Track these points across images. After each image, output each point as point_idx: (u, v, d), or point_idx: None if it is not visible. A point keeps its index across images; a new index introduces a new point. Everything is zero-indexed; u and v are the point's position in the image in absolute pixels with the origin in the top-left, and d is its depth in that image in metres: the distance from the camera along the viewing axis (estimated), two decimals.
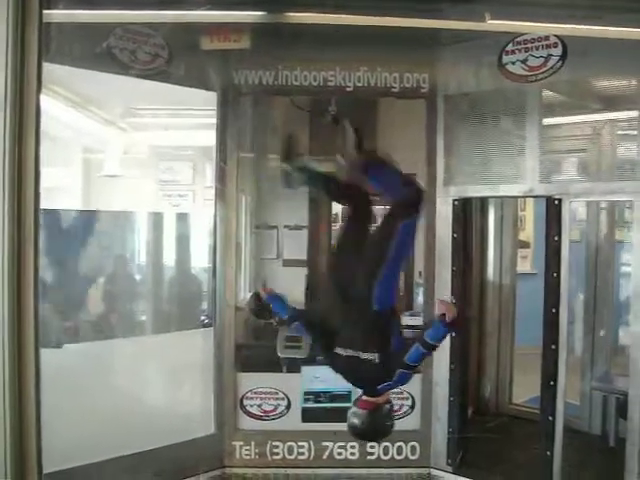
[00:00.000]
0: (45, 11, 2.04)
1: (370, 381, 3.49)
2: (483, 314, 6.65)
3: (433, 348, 3.36)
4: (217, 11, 4.55)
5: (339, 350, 3.53)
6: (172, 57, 4.98)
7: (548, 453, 4.83)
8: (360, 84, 5.29)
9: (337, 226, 7.62)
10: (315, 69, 5.25)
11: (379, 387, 3.47)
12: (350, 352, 3.47)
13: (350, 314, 3.54)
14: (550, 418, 4.82)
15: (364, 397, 3.53)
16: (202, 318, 5.78)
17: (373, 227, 3.71)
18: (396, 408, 5.28)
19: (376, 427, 3.54)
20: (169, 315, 5.98)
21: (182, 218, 6.08)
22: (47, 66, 4.15)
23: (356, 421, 3.49)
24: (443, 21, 4.66)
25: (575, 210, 5.64)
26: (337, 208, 7.65)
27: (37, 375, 2.09)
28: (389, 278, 3.44)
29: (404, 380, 3.46)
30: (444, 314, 3.30)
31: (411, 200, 3.41)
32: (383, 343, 3.44)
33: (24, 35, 1.97)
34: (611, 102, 5.10)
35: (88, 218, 5.64)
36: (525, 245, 8.54)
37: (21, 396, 2.09)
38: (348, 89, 5.30)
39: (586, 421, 5.93)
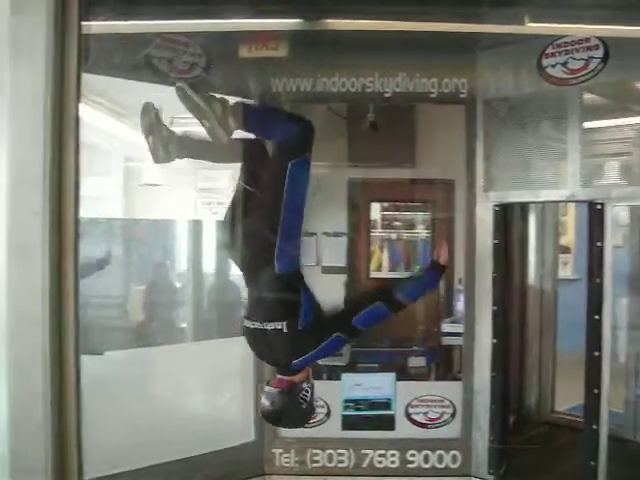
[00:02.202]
0: (84, 23, 2.07)
1: (282, 354, 3.20)
2: (525, 320, 6.55)
3: (401, 307, 3.15)
4: (254, 19, 4.57)
5: (247, 322, 3.26)
6: (210, 66, 5.01)
7: (592, 463, 4.73)
8: (398, 90, 5.25)
9: (375, 232, 7.65)
10: (353, 76, 5.21)
11: (294, 362, 3.19)
12: (257, 324, 3.18)
13: (252, 281, 3.28)
14: (594, 427, 4.73)
15: (279, 375, 3.26)
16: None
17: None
18: (436, 416, 5.33)
19: (288, 410, 3.25)
20: (210, 322, 6.01)
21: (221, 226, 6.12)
22: (87, 77, 4.26)
23: (266, 402, 3.22)
24: (482, 25, 4.63)
25: (617, 215, 5.54)
26: (376, 215, 7.67)
27: (77, 383, 2.11)
28: (288, 233, 3.13)
29: (335, 348, 3.21)
30: (436, 262, 3.15)
31: (297, 135, 3.17)
32: (291, 310, 3.14)
33: (64, 46, 2.00)
34: None
35: (129, 226, 5.71)
36: (566, 250, 8.45)
37: (62, 404, 2.11)
38: (386, 95, 5.26)
39: (631, 429, 5.81)
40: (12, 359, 2.08)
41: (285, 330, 3.10)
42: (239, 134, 3.43)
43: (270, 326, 3.13)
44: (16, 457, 2.11)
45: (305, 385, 3.26)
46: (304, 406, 3.27)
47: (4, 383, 2.06)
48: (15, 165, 2.00)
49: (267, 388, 3.25)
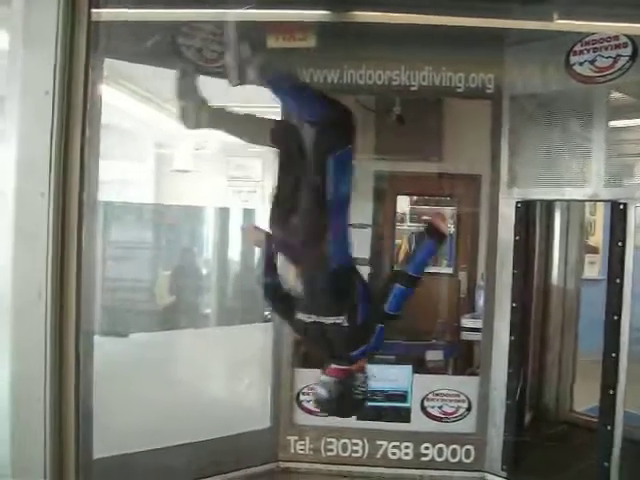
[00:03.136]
0: (94, 10, 2.13)
1: (342, 347, 3.18)
2: (545, 319, 6.52)
3: (416, 282, 3.11)
4: (283, 10, 4.60)
5: (301, 316, 3.21)
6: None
7: (606, 464, 4.71)
8: (425, 84, 5.25)
9: (403, 226, 7.65)
10: (380, 68, 5.23)
11: (354, 353, 3.18)
12: (314, 318, 3.14)
13: (306, 277, 3.21)
14: (609, 427, 4.70)
15: (334, 365, 3.20)
16: (266, 313, 5.85)
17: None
18: (452, 410, 5.34)
19: (345, 399, 3.20)
20: (233, 308, 6.08)
21: (248, 214, 6.17)
22: (117, 63, 4.33)
23: (322, 391, 3.19)
24: (510, 21, 4.59)
25: None
26: (402, 208, 7.68)
27: (77, 365, 2.16)
28: (338, 227, 3.07)
29: (382, 339, 3.18)
30: (434, 228, 3.10)
31: (335, 119, 3.06)
32: (348, 304, 3.12)
33: (73, 32, 2.06)
34: None
35: (158, 211, 5.79)
36: (594, 250, 8.36)
37: (62, 385, 2.17)
38: (413, 88, 5.27)
39: None
40: (15, 340, 2.14)
41: (345, 324, 3.10)
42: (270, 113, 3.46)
43: (329, 320, 3.12)
44: (16, 441, 2.17)
45: (361, 375, 3.25)
46: (360, 396, 3.26)
47: (7, 364, 2.13)
48: (23, 147, 2.07)
49: (323, 377, 3.22)
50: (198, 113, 3.38)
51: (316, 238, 3.05)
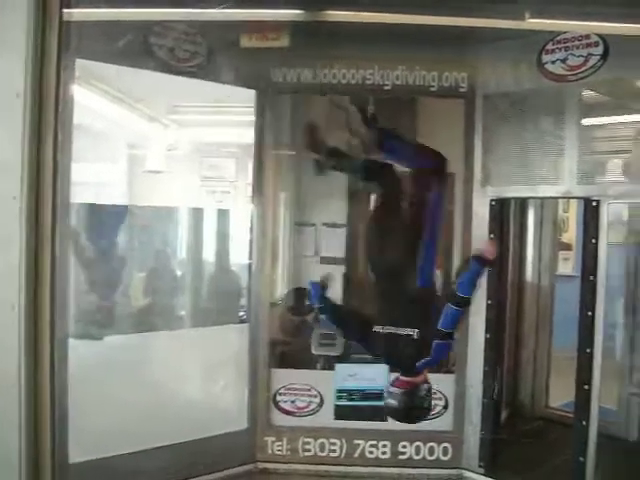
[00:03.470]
0: (65, 10, 2.09)
1: (408, 358, 3.48)
2: (520, 315, 6.56)
3: (466, 303, 3.40)
4: (256, 9, 4.58)
5: (378, 328, 3.54)
6: (211, 55, 5.03)
7: (581, 459, 4.75)
8: (398, 83, 5.27)
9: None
10: (353, 67, 5.25)
11: (418, 365, 3.46)
12: (391, 329, 3.49)
13: (392, 292, 3.56)
14: (584, 423, 4.75)
15: (401, 377, 3.53)
16: (241, 314, 5.82)
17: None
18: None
19: (413, 407, 3.53)
20: (208, 310, 6.04)
21: (223, 214, 6.15)
22: (88, 64, 4.29)
23: (393, 401, 3.49)
24: (483, 20, 4.62)
25: (619, 213, 5.55)
26: None
27: (52, 368, 2.13)
28: (429, 251, 3.49)
29: (442, 352, 3.49)
30: (479, 255, 3.41)
31: (435, 167, 3.61)
32: (424, 319, 3.44)
33: (44, 33, 2.03)
34: None
35: (130, 213, 5.74)
36: (567, 247, 8.43)
37: (36, 388, 2.14)
38: (386, 88, 5.28)
39: (622, 427, 5.82)
40: None
41: (415, 337, 3.43)
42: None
43: (404, 331, 3.46)
44: None
45: (425, 385, 3.54)
46: (425, 404, 3.58)
47: None
48: None
49: (391, 388, 3.53)
50: (327, 160, 3.84)
51: (411, 259, 3.47)
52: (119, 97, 5.62)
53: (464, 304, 3.40)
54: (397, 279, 3.54)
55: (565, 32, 4.74)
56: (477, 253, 3.54)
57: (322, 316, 3.96)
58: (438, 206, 3.55)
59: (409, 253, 3.46)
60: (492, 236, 5.17)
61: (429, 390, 3.56)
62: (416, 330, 3.41)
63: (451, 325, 3.42)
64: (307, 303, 5.99)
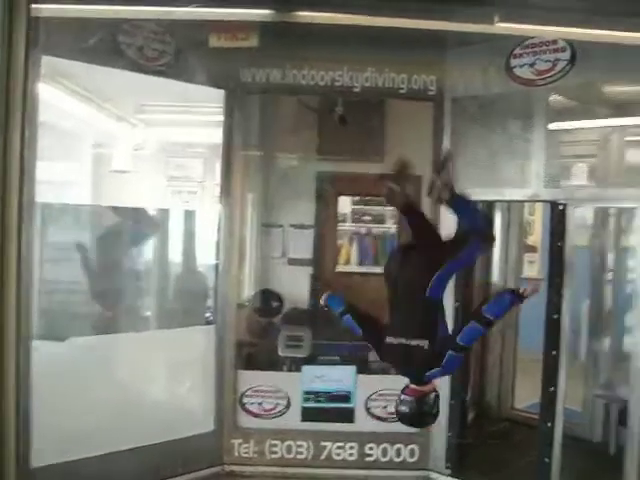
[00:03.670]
0: (33, 5, 2.05)
1: (419, 368, 3.60)
2: None
3: (490, 324, 3.55)
4: (225, 9, 4.54)
5: (390, 339, 3.65)
6: (179, 54, 4.99)
7: (546, 460, 4.80)
8: (368, 85, 5.28)
9: (344, 226, 7.69)
10: (323, 69, 5.25)
11: (427, 374, 3.59)
12: (402, 340, 3.59)
13: (403, 305, 3.66)
14: (549, 424, 4.79)
15: (412, 385, 3.65)
16: (207, 315, 5.79)
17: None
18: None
19: (422, 414, 3.67)
20: (173, 311, 5.99)
21: (189, 215, 6.10)
22: (55, 60, 4.23)
23: (404, 408, 3.62)
24: (452, 23, 4.62)
25: (584, 216, 5.61)
26: (344, 208, 7.72)
27: (18, 370, 2.09)
28: (448, 272, 3.63)
29: (453, 364, 3.60)
30: (518, 292, 3.54)
31: (488, 235, 4.10)
32: (432, 330, 3.56)
33: (11, 29, 1.98)
34: (620, 108, 5.07)
35: (97, 213, 5.67)
36: (533, 250, 8.48)
37: (2, 389, 2.10)
38: (355, 89, 5.29)
39: (587, 428, 5.88)
40: None
41: (426, 348, 3.53)
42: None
43: (415, 342, 3.55)
44: None
45: (433, 394, 3.66)
46: (434, 411, 3.70)
47: None
48: None
49: (403, 396, 3.65)
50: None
51: (430, 275, 3.55)
52: (87, 95, 5.55)
53: (487, 325, 3.55)
54: (409, 292, 3.65)
55: (533, 37, 4.77)
56: (516, 289, 3.69)
57: (346, 316, 4.00)
58: (477, 251, 3.94)
59: (430, 270, 3.57)
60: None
61: (437, 397, 3.69)
62: (426, 341, 3.52)
63: (470, 341, 3.60)
64: (274, 305, 6.00)
